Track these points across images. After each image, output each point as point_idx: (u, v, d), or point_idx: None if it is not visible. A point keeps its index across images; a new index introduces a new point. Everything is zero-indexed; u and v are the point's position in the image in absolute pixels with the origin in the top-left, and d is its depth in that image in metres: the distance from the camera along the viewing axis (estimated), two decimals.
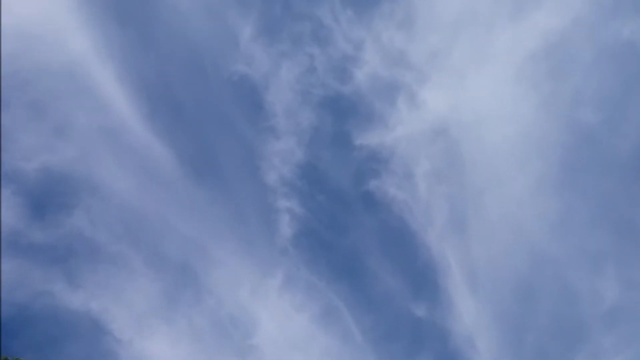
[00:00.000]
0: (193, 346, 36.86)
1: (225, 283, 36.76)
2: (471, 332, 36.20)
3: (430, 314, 36.37)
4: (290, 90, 36.31)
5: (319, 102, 36.75)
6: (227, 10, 35.81)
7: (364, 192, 37.23)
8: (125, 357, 33.85)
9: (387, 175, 36.98)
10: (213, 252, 37.44)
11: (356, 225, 37.61)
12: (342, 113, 36.98)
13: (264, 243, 37.49)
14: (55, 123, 35.17)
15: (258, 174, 37.00)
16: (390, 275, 37.28)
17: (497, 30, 36.11)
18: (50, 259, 34.33)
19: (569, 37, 35.16)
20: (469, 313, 36.60)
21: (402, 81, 36.35)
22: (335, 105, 36.98)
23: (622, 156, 35.28)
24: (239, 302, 37.36)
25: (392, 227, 37.30)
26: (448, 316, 36.49)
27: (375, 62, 36.02)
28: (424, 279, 36.81)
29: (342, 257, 37.41)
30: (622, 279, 35.19)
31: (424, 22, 35.47)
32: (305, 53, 36.11)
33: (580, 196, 36.37)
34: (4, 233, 33.32)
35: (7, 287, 32.84)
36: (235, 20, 35.78)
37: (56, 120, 35.26)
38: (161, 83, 37.07)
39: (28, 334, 32.52)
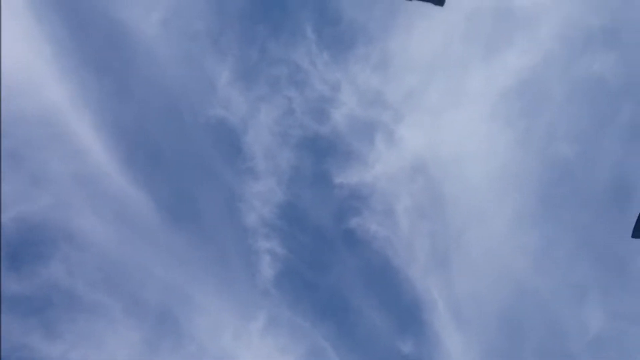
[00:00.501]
0: None
1: (207, 328, 36.12)
2: None
3: (417, 350, 36.01)
4: (269, 132, 36.39)
5: (297, 143, 36.82)
6: (203, 57, 35.98)
7: (345, 230, 37.14)
8: None
9: (368, 212, 36.98)
10: (194, 296, 36.85)
11: (339, 264, 37.42)
12: (321, 153, 37.08)
13: (245, 285, 37.03)
14: (31, 172, 34.73)
15: (237, 215, 36.74)
16: (375, 312, 36.98)
17: (470, 70, 36.75)
18: (27, 310, 33.49)
19: (540, 74, 35.86)
20: (455, 348, 36.30)
21: (379, 120, 36.66)
22: (314, 145, 37.09)
23: (599, 187, 35.74)
24: (222, 346, 36.65)
25: (374, 265, 37.15)
26: (435, 352, 36.15)
27: (352, 102, 36.34)
28: (409, 315, 36.56)
29: (326, 296, 37.08)
30: (605, 309, 35.26)
31: (398, 63, 36.00)
32: (282, 96, 36.32)
33: (560, 228, 36.63)
34: None
35: None
36: (212, 65, 35.95)
37: (32, 168, 34.82)
38: (138, 130, 36.90)
39: None
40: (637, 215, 23.13)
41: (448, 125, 36.98)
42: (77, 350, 33.26)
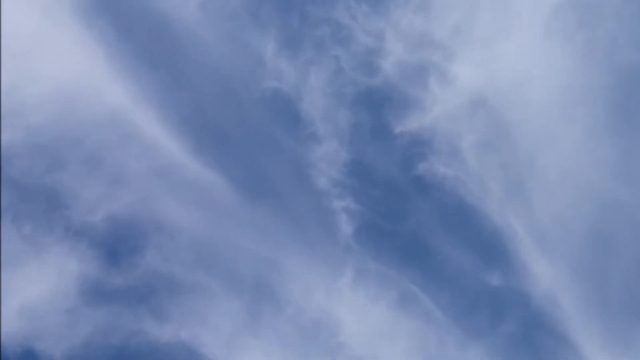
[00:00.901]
0: (284, 355, 38.30)
1: (300, 290, 37.75)
2: (551, 291, 35.74)
3: (506, 281, 36.13)
4: (323, 95, 36.58)
5: (352, 100, 36.83)
6: (246, 33, 36.29)
7: (414, 177, 37.17)
8: None
9: (434, 156, 36.74)
10: (283, 263, 38.42)
11: (413, 210, 37.70)
12: (377, 105, 36.94)
13: (328, 245, 38.20)
14: (110, 173, 36.93)
15: (308, 181, 37.62)
16: (457, 251, 37.21)
17: None
18: (135, 300, 36.22)
19: None
20: (545, 273, 36.10)
21: (430, 61, 35.86)
22: (369, 99, 36.98)
23: None
24: (317, 305, 38.29)
25: (449, 205, 37.09)
26: (524, 280, 36.14)
27: (398, 49, 35.67)
28: (492, 249, 36.56)
29: (406, 243, 37.63)
30: None
31: (440, 1, 34.99)
32: (329, 56, 36.20)
33: (637, 136, 35.23)
34: (89, 284, 35.48)
35: (103, 333, 35.01)
36: (256, 40, 36.21)
37: (110, 170, 36.99)
38: (200, 116, 38.08)
39: None
40: None
41: (502, 53, 35.70)
42: (186, 329, 35.76)
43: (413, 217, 37.77)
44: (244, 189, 37.82)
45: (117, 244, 36.90)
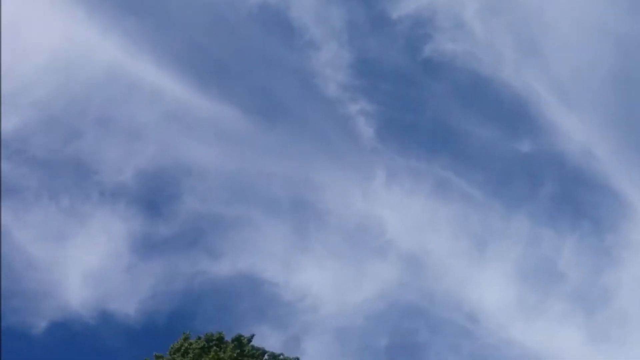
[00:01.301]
0: (337, 263, 39.73)
1: (338, 200, 38.46)
2: (585, 145, 35.13)
3: (537, 146, 35.58)
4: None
5: None
6: None
7: (422, 61, 36.11)
8: (288, 295, 37.25)
9: (438, 34, 35.37)
10: (315, 179, 38.75)
11: (429, 96, 37.00)
12: None
13: (353, 151, 38.18)
14: (125, 129, 37.11)
15: (318, 91, 36.88)
16: (482, 127, 36.59)
17: None
18: (186, 244, 37.56)
19: None
20: (574, 128, 35.13)
21: None
22: None
23: None
24: (357, 211, 38.99)
25: (464, 82, 36.29)
26: (555, 139, 35.62)
27: None
28: (516, 116, 35.78)
29: (429, 131, 37.30)
30: None
31: None
32: None
33: None
34: (138, 240, 36.79)
35: (165, 281, 36.62)
36: None
37: (124, 126, 37.15)
38: (195, 50, 37.01)
39: (202, 312, 36.69)
40: None
41: None
42: (242, 260, 37.13)
43: (430, 103, 37.09)
44: (257, 114, 37.56)
45: (153, 196, 37.78)
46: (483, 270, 35.87)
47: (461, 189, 36.22)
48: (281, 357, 20.12)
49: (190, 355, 18.85)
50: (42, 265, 32.22)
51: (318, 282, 37.80)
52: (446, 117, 36.71)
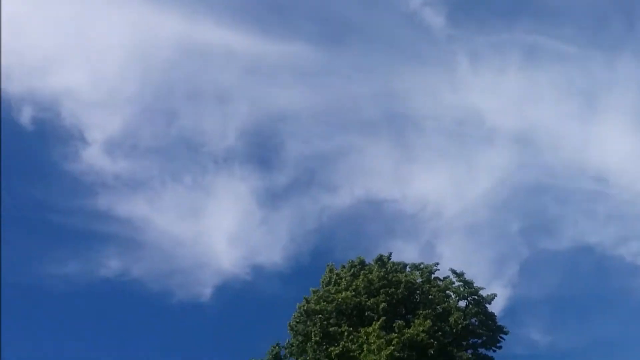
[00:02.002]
0: (446, 165, 39.87)
1: (429, 101, 38.11)
2: None
3: None
4: None
5: None
6: None
7: None
8: (410, 208, 38.37)
9: None
10: (401, 88, 38.64)
11: None
12: None
13: (429, 46, 37.31)
14: (214, 96, 38.78)
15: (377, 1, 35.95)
16: None
17: None
18: (302, 185, 39.22)
19: None
20: None
21: None
22: None
23: None
24: (452, 105, 38.73)
25: None
26: None
27: None
28: None
29: None
30: None
31: None
32: None
33: None
34: (262, 195, 39.16)
35: (299, 224, 38.73)
36: None
37: (213, 93, 38.80)
38: (251, 3, 37.81)
39: (337, 243, 38.80)
40: None
41: None
42: (357, 186, 38.37)
43: None
44: (326, 43, 37.72)
45: (260, 151, 39.84)
46: (599, 128, 34.67)
47: (553, 48, 34.59)
48: (422, 266, 21.21)
49: (343, 283, 20.47)
50: (188, 241, 35.59)
51: (434, 187, 38.66)
52: None
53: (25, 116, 33.93)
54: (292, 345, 18.95)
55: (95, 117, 36.77)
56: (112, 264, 33.27)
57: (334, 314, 19.21)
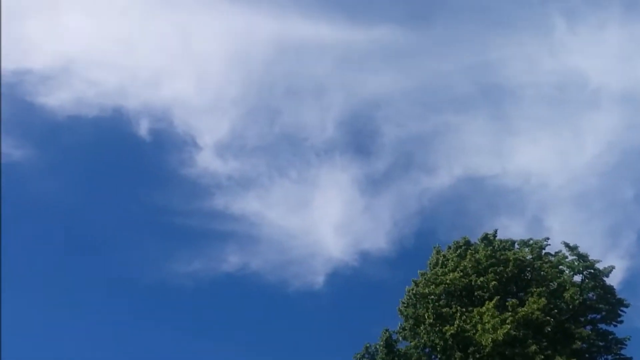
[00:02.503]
0: (550, 133, 38.32)
1: (526, 68, 36.69)
2: None
3: None
4: None
5: None
6: None
7: None
8: (512, 182, 37.18)
9: None
10: (495, 58, 37.47)
11: None
12: None
13: (521, 10, 35.67)
14: (312, 90, 39.60)
15: None
16: None
17: None
18: (402, 166, 39.43)
19: None
20: None
21: None
22: None
23: None
24: (550, 70, 37.04)
25: None
26: None
27: None
28: None
29: None
30: None
31: None
32: None
33: None
34: (362, 182, 39.64)
35: (402, 207, 39.07)
36: None
37: (310, 87, 39.62)
38: None
39: (441, 224, 38.49)
40: None
41: None
42: (456, 165, 37.83)
43: None
44: (412, 21, 37.22)
45: (357, 138, 40.27)
46: None
47: None
48: (531, 242, 20.55)
49: (450, 264, 20.42)
50: (299, 233, 36.87)
51: (536, 158, 37.17)
52: None
53: (143, 128, 36.66)
54: (405, 329, 19.21)
55: (205, 122, 38.97)
56: (232, 260, 35.26)
57: (444, 295, 19.27)
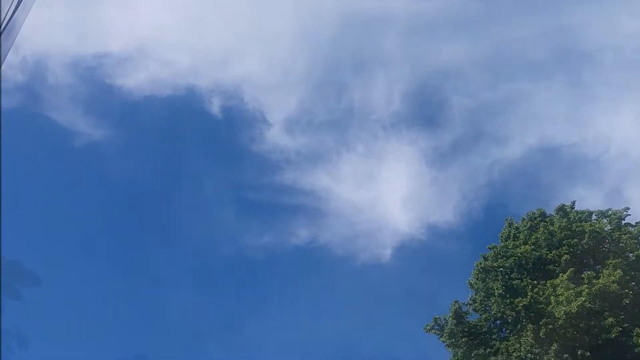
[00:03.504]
0: (633, 97, 36.10)
1: (604, 31, 34.74)
2: None
3: None
4: None
5: None
6: None
7: None
8: (591, 151, 35.41)
9: None
10: (570, 22, 35.52)
11: None
12: None
13: None
14: (376, 60, 39.14)
15: None
16: None
17: None
18: (470, 141, 38.40)
19: None
20: None
21: None
22: None
23: None
24: (631, 31, 34.81)
25: None
26: None
27: None
28: None
29: None
30: None
31: None
32: None
33: None
34: (431, 155, 38.96)
35: (469, 180, 38.18)
36: None
37: (375, 58, 39.15)
38: None
39: (512, 196, 37.44)
40: None
41: None
42: (529, 134, 36.38)
43: None
44: None
45: (425, 111, 39.54)
46: None
47: None
48: (609, 212, 19.70)
49: (521, 237, 19.90)
50: (367, 206, 36.96)
51: (617, 126, 35.08)
52: None
53: (215, 106, 37.63)
54: (475, 302, 19.02)
55: (273, 99, 39.47)
56: (301, 233, 35.89)
57: (514, 268, 18.88)
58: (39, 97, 32.11)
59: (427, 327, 18.75)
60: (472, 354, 17.88)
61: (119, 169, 35.10)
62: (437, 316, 18.62)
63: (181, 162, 37.95)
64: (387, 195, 36.80)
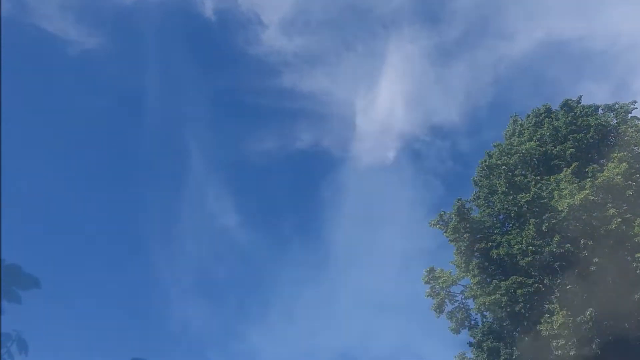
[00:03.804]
0: None
1: None
2: None
3: None
4: None
5: None
6: None
7: None
8: (599, 44, 34.42)
9: None
10: None
11: None
12: None
13: None
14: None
15: None
16: None
17: None
18: (475, 36, 37.27)
19: None
20: None
21: None
22: None
23: None
24: None
25: None
26: None
27: None
28: None
29: None
30: None
31: None
32: None
33: None
34: (433, 51, 38.13)
35: (473, 77, 37.66)
36: None
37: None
38: None
39: (518, 93, 37.01)
40: None
41: None
42: (536, 29, 35.45)
43: None
44: None
45: (427, 6, 38.06)
46: None
47: None
48: (616, 106, 19.43)
49: (526, 134, 19.76)
50: (369, 108, 36.78)
51: (627, 16, 34.20)
52: None
53: (208, 8, 36.38)
54: (479, 198, 19.24)
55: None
56: (304, 137, 35.92)
57: (519, 165, 18.94)
58: (27, 6, 31.07)
59: (432, 222, 19.09)
60: (475, 248, 18.33)
61: (113, 76, 34.57)
62: (442, 212, 18.88)
63: (175, 66, 37.27)
64: (390, 95, 36.46)
